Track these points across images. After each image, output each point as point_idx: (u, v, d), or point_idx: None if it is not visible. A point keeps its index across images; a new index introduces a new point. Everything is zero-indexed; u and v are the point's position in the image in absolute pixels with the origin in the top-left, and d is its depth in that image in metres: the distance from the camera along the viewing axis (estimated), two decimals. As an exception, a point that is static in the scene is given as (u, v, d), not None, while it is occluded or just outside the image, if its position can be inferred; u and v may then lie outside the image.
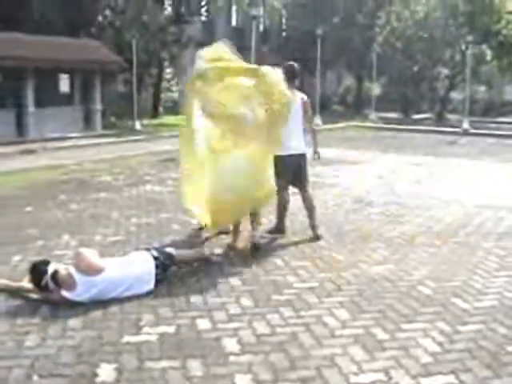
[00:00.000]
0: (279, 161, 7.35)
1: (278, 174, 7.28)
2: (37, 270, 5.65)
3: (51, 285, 5.55)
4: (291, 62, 8.22)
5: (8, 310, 5.41)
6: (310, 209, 8.03)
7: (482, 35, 32.85)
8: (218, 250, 7.06)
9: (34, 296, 5.68)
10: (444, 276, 6.42)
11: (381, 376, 4.21)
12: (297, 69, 8.09)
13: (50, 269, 5.59)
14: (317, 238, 7.82)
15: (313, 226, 7.95)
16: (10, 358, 4.47)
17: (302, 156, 7.95)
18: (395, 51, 36.20)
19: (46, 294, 5.59)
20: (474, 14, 33.42)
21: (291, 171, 7.86)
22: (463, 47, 33.30)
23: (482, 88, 39.53)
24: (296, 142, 7.82)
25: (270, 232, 7.98)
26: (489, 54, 34.99)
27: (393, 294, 5.88)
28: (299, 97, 7.97)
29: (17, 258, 6.98)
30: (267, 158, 7.08)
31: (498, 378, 4.22)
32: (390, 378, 4.18)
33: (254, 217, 7.54)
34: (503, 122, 32.86)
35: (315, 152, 8.34)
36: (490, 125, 29.85)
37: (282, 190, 7.71)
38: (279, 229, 8.01)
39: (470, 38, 29.13)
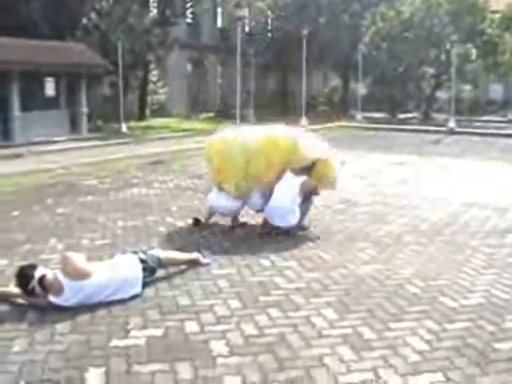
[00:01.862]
0: None
1: None
2: (24, 275, 5.62)
3: (38, 290, 5.52)
4: None
5: (-5, 316, 5.38)
6: None
7: (466, 34, 33.00)
8: (206, 252, 7.05)
9: (21, 301, 5.64)
10: (431, 274, 6.45)
11: (369, 375, 4.22)
12: None
13: (37, 273, 5.56)
14: None
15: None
16: (-3, 363, 4.45)
17: None
18: (381, 51, 36.28)
19: (32, 299, 5.57)
20: (459, 13, 33.55)
21: None
22: (448, 46, 33.42)
23: (468, 87, 39.66)
24: None
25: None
26: (474, 53, 35.14)
27: (380, 293, 5.90)
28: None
29: (3, 262, 6.94)
30: None
31: (485, 375, 4.24)
32: (379, 377, 4.19)
33: None
34: (489, 121, 33.04)
35: None
36: (475, 123, 30.03)
37: None
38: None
39: (454, 37, 29.35)
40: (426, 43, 34.70)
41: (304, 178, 8.07)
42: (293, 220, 7.97)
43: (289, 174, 8.08)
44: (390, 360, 4.46)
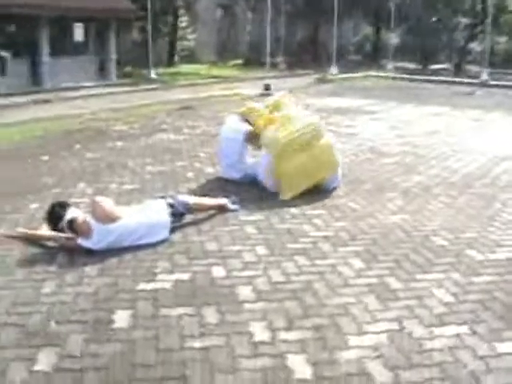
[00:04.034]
0: None
1: None
2: (54, 214, 5.73)
3: (67, 231, 5.61)
4: None
5: (25, 258, 5.47)
6: None
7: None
8: (234, 198, 7.05)
9: (51, 244, 5.73)
10: (459, 227, 6.40)
11: (394, 325, 4.23)
12: None
13: (68, 215, 5.62)
14: None
15: None
16: (28, 304, 4.53)
17: None
18: (414, 0, 35.49)
19: (61, 238, 5.65)
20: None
21: None
22: (484, -4, 32.61)
23: (503, 39, 38.73)
24: None
25: None
26: (510, 4, 34.21)
27: (407, 244, 5.88)
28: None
29: (34, 206, 7.04)
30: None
31: (510, 329, 4.22)
32: (404, 328, 4.20)
33: None
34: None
35: None
36: (510, 76, 29.37)
37: None
38: None
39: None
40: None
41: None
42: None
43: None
44: (416, 311, 4.46)
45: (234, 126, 8.31)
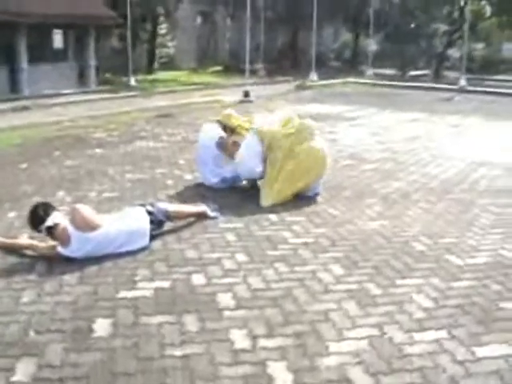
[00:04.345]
0: None
1: None
2: (35, 216, 5.63)
3: (45, 235, 5.58)
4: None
5: (4, 267, 5.42)
6: None
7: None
8: (214, 205, 7.05)
9: (30, 253, 5.69)
10: (438, 232, 6.45)
11: (374, 331, 4.25)
12: None
13: (50, 220, 5.55)
14: None
15: None
16: (6, 314, 4.49)
17: None
18: (392, 7, 35.74)
19: (39, 247, 5.63)
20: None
21: None
22: (462, 3, 32.90)
23: (480, 45, 39.13)
24: None
25: None
26: (488, 11, 34.56)
27: (387, 249, 5.91)
28: None
29: (12, 214, 6.99)
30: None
31: (490, 333, 4.25)
32: (384, 333, 4.22)
33: None
34: (501, 80, 32.58)
35: None
36: (487, 82, 29.64)
37: None
38: None
39: (469, -7, 28.77)
40: (439, -1, 34.16)
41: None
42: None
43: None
44: (396, 316, 4.48)
45: (210, 134, 8.34)
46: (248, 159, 7.63)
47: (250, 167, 7.69)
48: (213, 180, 8.22)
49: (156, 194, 7.92)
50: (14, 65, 20.66)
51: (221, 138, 8.20)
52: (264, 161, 7.60)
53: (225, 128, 8.34)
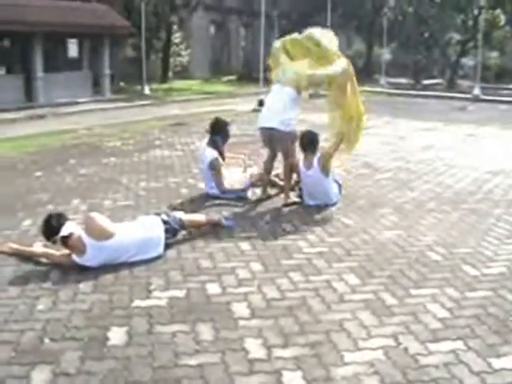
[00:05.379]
0: None
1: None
2: (49, 227, 5.60)
3: (59, 245, 5.59)
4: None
5: (19, 275, 5.44)
6: (281, 176, 8.33)
7: (495, 0, 32.33)
8: (227, 214, 7.05)
9: (45, 261, 5.71)
10: (453, 242, 6.41)
11: (390, 341, 4.22)
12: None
13: (63, 230, 5.55)
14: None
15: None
16: (21, 321, 4.51)
17: (272, 130, 7.86)
18: (406, 16, 35.73)
19: (53, 255, 5.65)
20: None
21: (265, 142, 8.22)
22: (476, 12, 32.83)
23: (495, 54, 39.00)
24: (266, 117, 7.98)
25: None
26: (502, 19, 34.45)
27: (402, 259, 5.89)
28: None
29: (27, 222, 7.02)
30: None
31: (506, 344, 4.22)
32: (399, 344, 4.19)
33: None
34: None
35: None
36: (501, 91, 29.52)
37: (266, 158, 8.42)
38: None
39: (482, 2, 28.69)
40: (453, 8, 34.08)
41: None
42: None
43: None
44: (411, 326, 4.45)
45: (207, 151, 8.31)
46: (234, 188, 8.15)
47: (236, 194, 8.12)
48: (215, 191, 8.24)
49: (170, 202, 7.93)
50: (30, 73, 20.85)
51: (215, 159, 8.18)
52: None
53: (217, 146, 8.32)
